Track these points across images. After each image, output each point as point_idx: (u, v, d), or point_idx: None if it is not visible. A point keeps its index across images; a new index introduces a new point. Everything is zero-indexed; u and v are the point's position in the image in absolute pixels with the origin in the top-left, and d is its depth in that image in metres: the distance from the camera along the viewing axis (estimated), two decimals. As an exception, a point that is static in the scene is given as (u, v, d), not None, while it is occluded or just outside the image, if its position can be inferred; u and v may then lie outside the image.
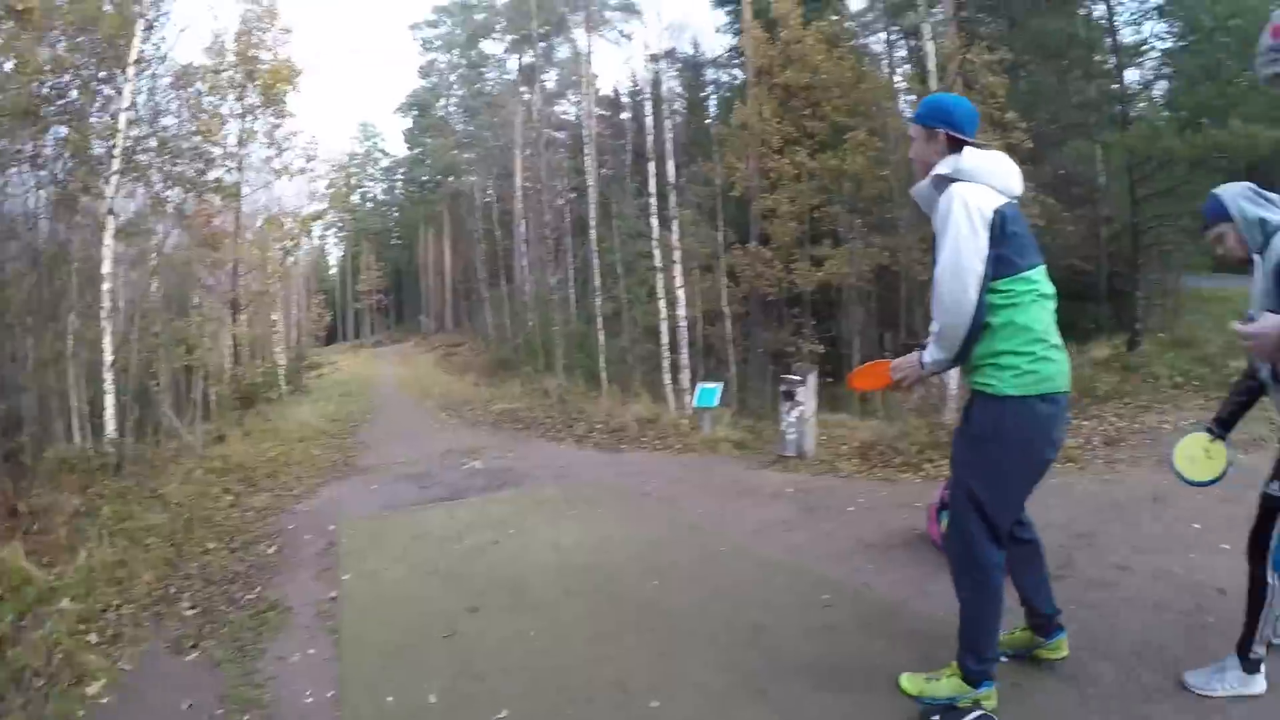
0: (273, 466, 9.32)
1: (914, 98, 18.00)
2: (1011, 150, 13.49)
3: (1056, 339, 2.82)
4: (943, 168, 2.82)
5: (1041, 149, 15.17)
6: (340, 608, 4.47)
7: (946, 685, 2.93)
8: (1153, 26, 15.36)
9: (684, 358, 15.90)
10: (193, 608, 4.67)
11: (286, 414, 15.12)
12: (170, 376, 14.64)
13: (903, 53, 29.10)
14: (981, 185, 2.75)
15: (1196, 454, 3.30)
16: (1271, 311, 2.50)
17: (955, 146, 2.86)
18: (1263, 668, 2.83)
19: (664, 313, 16.24)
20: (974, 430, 2.83)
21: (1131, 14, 15.58)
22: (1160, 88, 16.98)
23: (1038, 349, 2.75)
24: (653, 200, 16.61)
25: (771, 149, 18.79)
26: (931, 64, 8.78)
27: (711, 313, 20.09)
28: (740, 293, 20.35)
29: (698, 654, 3.60)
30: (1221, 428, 3.27)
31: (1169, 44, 15.69)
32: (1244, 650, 2.84)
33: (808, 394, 7.84)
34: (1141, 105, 15.99)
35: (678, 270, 15.79)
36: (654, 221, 16.62)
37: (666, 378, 16.15)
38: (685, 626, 3.90)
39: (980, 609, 2.86)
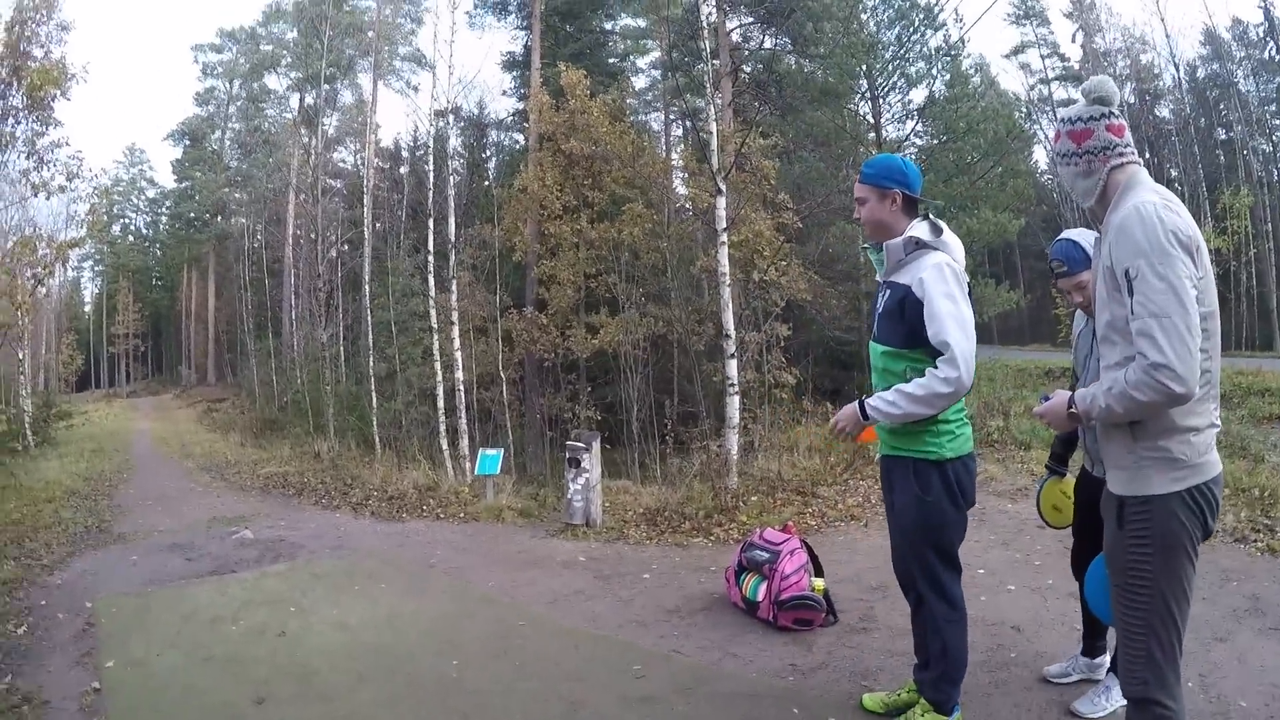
0: (18, 531, 7.97)
1: (687, 175, 18.95)
2: (782, 229, 14.60)
3: None
4: (921, 232, 2.92)
5: (810, 229, 16.45)
6: (106, 703, 3.75)
7: None
8: (913, 125, 17.36)
9: (462, 422, 15.32)
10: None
11: (33, 469, 13.15)
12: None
13: (678, 131, 30.84)
14: (951, 258, 2.91)
15: (1059, 501, 3.61)
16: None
17: (909, 205, 2.99)
18: None
19: (440, 375, 15.69)
20: (928, 496, 2.95)
21: (895, 114, 17.57)
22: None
23: (961, 416, 3.01)
24: (431, 259, 16.12)
25: (552, 214, 19.03)
26: (715, 144, 9.21)
27: (486, 377, 19.78)
28: (515, 358, 20.24)
29: (513, 738, 3.33)
30: (1060, 464, 3.62)
31: (924, 142, 17.78)
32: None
33: (593, 460, 7.78)
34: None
35: (456, 332, 15.33)
36: (431, 281, 16.13)
37: (444, 443, 15.51)
38: (496, 706, 3.61)
39: (960, 643, 3.02)
